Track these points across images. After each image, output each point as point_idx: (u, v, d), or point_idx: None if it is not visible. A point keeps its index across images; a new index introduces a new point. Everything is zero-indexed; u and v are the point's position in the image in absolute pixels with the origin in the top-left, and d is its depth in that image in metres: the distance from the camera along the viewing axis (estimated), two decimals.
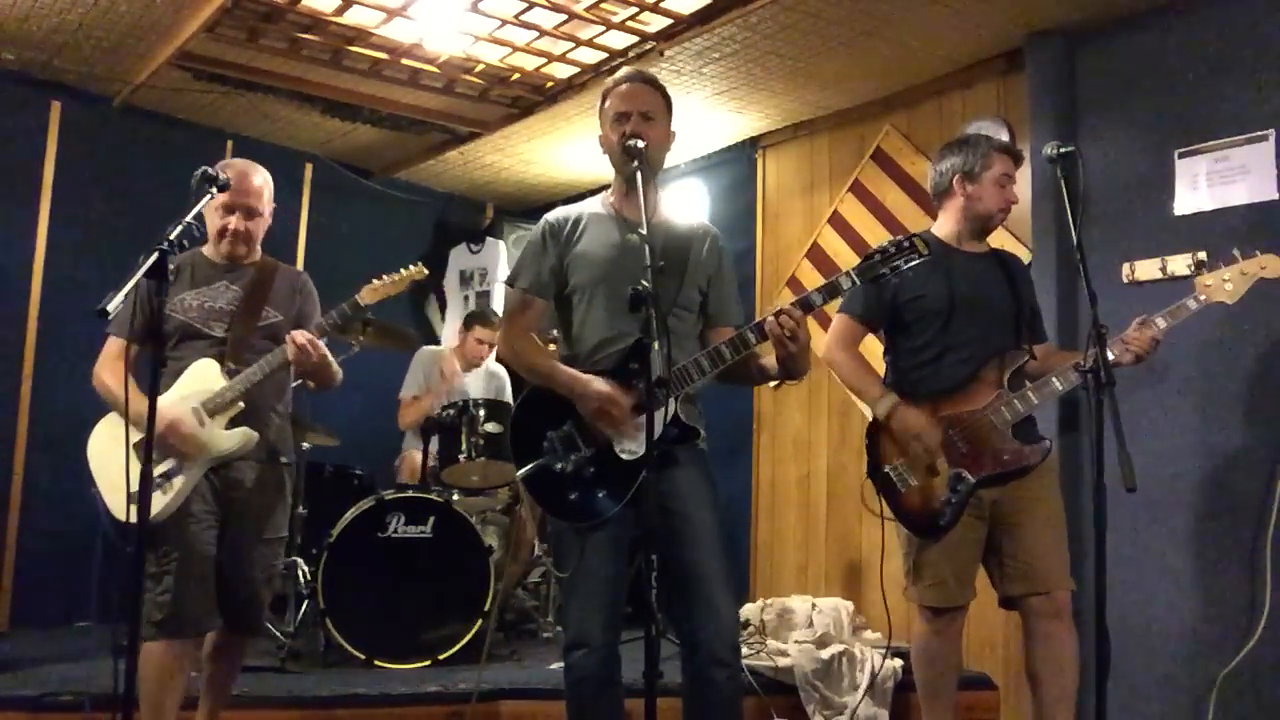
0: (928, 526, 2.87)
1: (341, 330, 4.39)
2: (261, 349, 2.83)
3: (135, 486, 2.62)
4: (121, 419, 2.76)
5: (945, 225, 3.06)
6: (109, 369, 2.82)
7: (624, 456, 2.41)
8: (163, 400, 2.65)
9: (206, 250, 2.95)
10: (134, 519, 2.62)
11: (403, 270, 2.97)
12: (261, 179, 2.93)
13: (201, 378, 2.78)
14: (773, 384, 5.01)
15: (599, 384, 2.41)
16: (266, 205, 2.95)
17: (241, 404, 2.78)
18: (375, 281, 2.93)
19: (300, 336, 2.74)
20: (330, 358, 2.86)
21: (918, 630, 3.01)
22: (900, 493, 2.90)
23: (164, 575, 2.65)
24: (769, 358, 2.48)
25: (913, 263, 2.39)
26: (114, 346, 2.85)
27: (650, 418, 2.14)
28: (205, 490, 2.76)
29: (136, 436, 2.70)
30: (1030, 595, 2.84)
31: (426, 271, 2.95)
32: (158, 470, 2.66)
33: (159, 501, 2.66)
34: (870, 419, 3.01)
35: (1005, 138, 4.14)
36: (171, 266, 2.83)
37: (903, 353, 3.02)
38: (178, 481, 2.70)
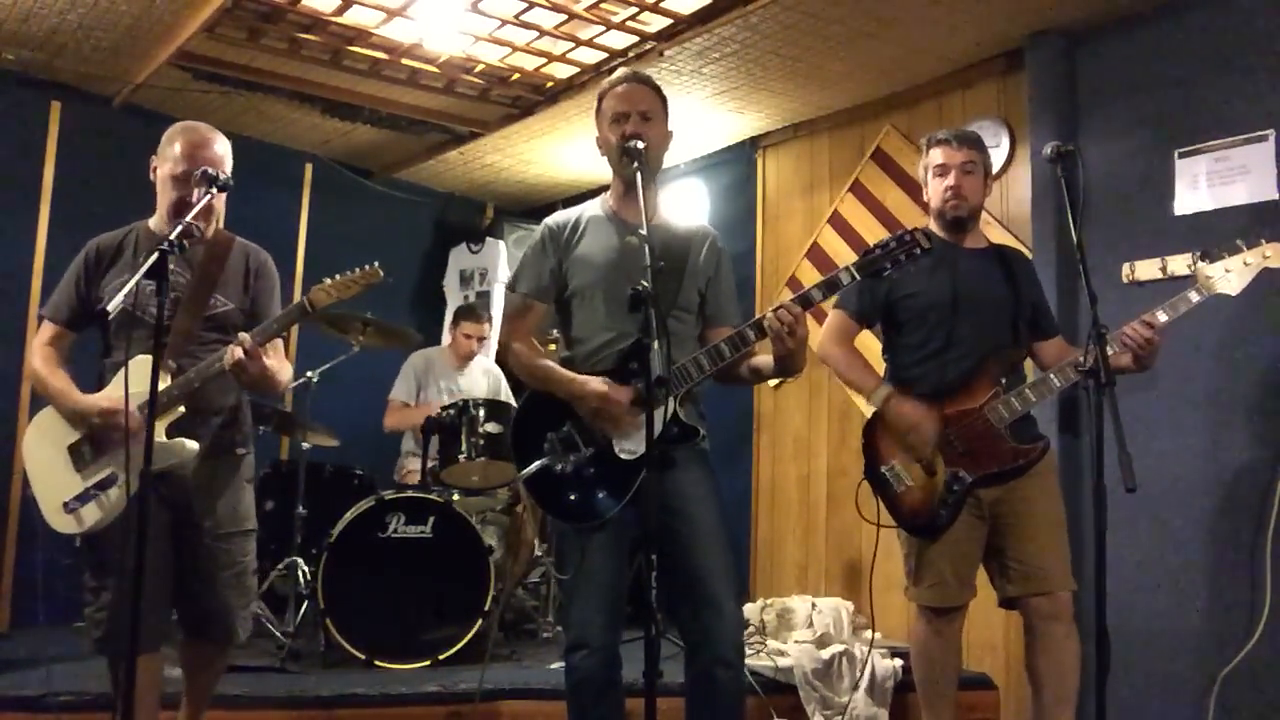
0: (924, 526, 2.87)
1: (336, 327, 4.43)
2: (207, 342, 2.60)
3: (70, 495, 2.52)
4: (57, 414, 2.60)
5: (932, 223, 3.08)
6: (40, 355, 2.64)
7: (624, 456, 2.42)
8: (102, 395, 2.55)
9: (153, 223, 2.68)
10: (71, 529, 2.53)
11: (356, 270, 2.63)
12: (223, 146, 2.65)
13: (141, 376, 2.38)
14: (773, 383, 5.01)
15: (595, 383, 2.42)
16: (227, 174, 2.60)
17: (182, 408, 2.54)
18: (327, 281, 2.61)
19: (239, 350, 2.45)
20: (271, 368, 2.56)
21: (917, 630, 3.00)
22: (897, 493, 2.90)
23: (102, 591, 2.49)
24: (764, 356, 2.49)
25: (915, 257, 2.40)
26: (47, 332, 2.66)
27: (650, 417, 2.14)
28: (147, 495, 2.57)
29: (71, 437, 2.59)
30: (1031, 596, 2.84)
31: (382, 274, 2.64)
32: (94, 479, 2.52)
33: (93, 514, 2.50)
34: (868, 418, 3.01)
35: (1005, 138, 4.15)
36: (101, 246, 2.66)
37: (900, 351, 3.02)
38: (114, 492, 2.49)
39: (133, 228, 2.72)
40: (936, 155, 3.00)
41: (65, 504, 2.56)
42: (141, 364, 2.44)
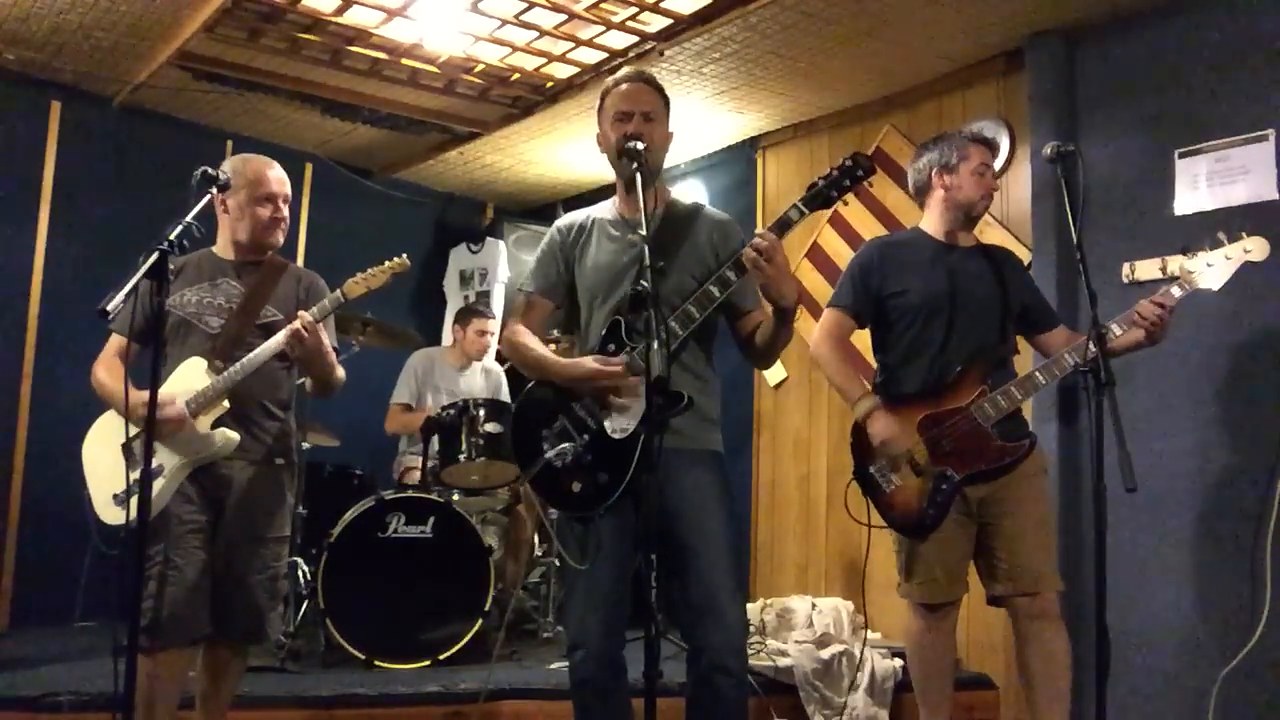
0: (913, 525, 2.88)
1: (337, 326, 4.41)
2: (255, 347, 2.75)
3: (122, 488, 2.63)
4: (117, 417, 2.73)
5: (931, 221, 3.08)
6: (105, 365, 2.79)
7: (616, 436, 2.41)
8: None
9: (216, 248, 2.91)
10: (119, 520, 2.63)
11: (385, 263, 2.90)
12: (281, 170, 2.95)
13: (188, 376, 2.72)
14: (773, 382, 5.02)
15: (587, 362, 2.44)
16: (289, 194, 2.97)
17: (226, 403, 2.71)
18: (359, 275, 2.86)
19: (298, 321, 2.68)
20: (329, 350, 2.80)
21: (911, 627, 3.02)
22: (885, 492, 2.91)
23: (148, 580, 2.56)
24: (760, 313, 2.51)
25: (859, 181, 2.41)
26: (114, 344, 2.82)
27: (651, 416, 2.14)
28: (191, 493, 2.70)
29: (124, 436, 2.66)
30: (1017, 595, 2.85)
31: (409, 263, 2.92)
32: (137, 473, 2.56)
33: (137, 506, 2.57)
34: (855, 420, 3.01)
35: (1005, 138, 4.15)
36: (173, 266, 2.82)
37: (888, 350, 3.04)
38: (157, 484, 2.62)
39: (199, 251, 2.89)
40: (981, 154, 3.02)
41: (115, 496, 2.70)
42: (192, 365, 2.73)
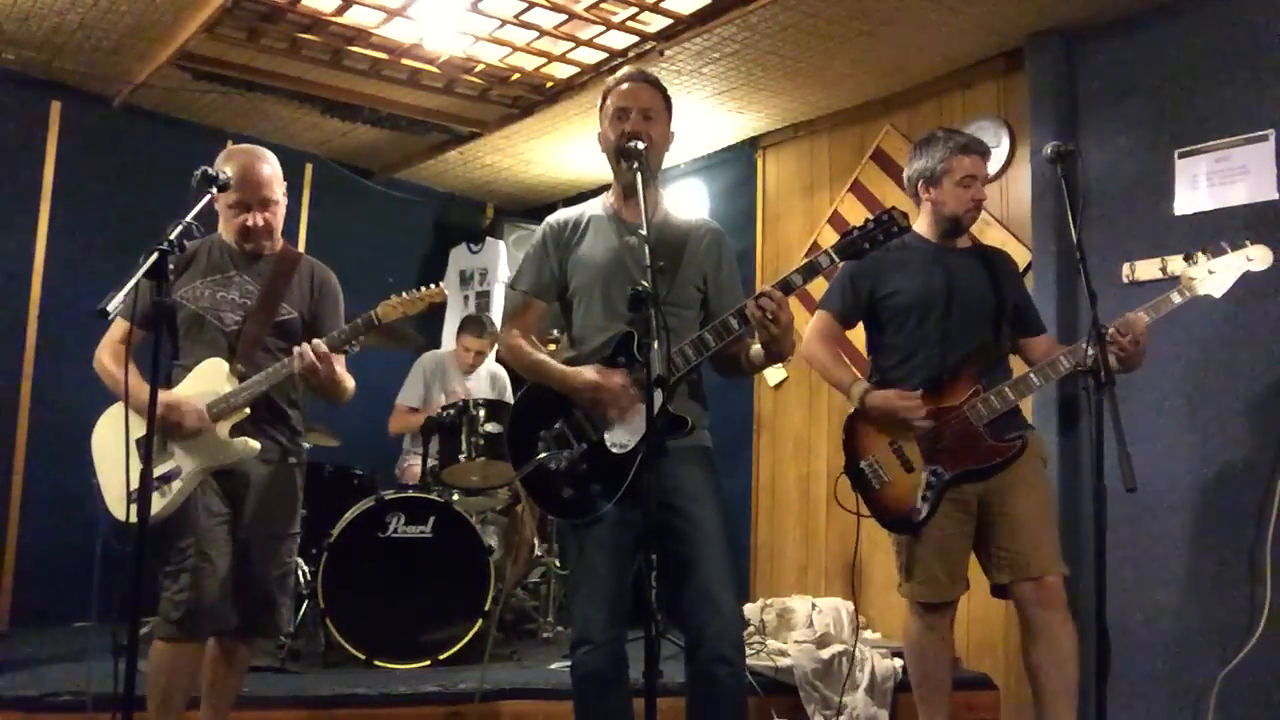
0: (903, 522, 2.88)
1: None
2: (274, 348, 2.76)
3: (134, 485, 2.59)
4: (131, 409, 2.70)
5: (923, 225, 3.07)
6: (109, 351, 2.76)
7: (615, 450, 2.42)
8: (168, 393, 2.62)
9: (225, 235, 2.86)
10: (131, 518, 2.60)
11: (422, 289, 2.82)
12: (270, 167, 2.82)
13: (210, 378, 2.71)
14: (773, 382, 5.02)
15: (587, 373, 2.43)
16: (280, 191, 2.86)
17: (248, 410, 2.71)
18: (394, 298, 2.78)
19: (310, 354, 2.63)
20: (340, 375, 2.76)
21: (910, 626, 3.02)
22: (875, 489, 2.92)
23: (181, 573, 2.60)
24: (757, 346, 2.49)
25: (894, 236, 2.38)
26: (117, 329, 2.79)
27: (650, 414, 2.14)
28: (213, 489, 2.71)
29: (138, 428, 2.65)
30: (1020, 581, 2.84)
31: (446, 294, 2.83)
32: (157, 471, 2.61)
33: (156, 503, 2.60)
34: (848, 415, 3.02)
35: (1005, 138, 4.15)
36: (176, 261, 2.79)
37: (882, 350, 3.04)
38: (175, 485, 2.64)
39: (207, 238, 2.85)
40: (968, 163, 2.96)
41: (129, 494, 2.64)
42: (213, 366, 2.71)
